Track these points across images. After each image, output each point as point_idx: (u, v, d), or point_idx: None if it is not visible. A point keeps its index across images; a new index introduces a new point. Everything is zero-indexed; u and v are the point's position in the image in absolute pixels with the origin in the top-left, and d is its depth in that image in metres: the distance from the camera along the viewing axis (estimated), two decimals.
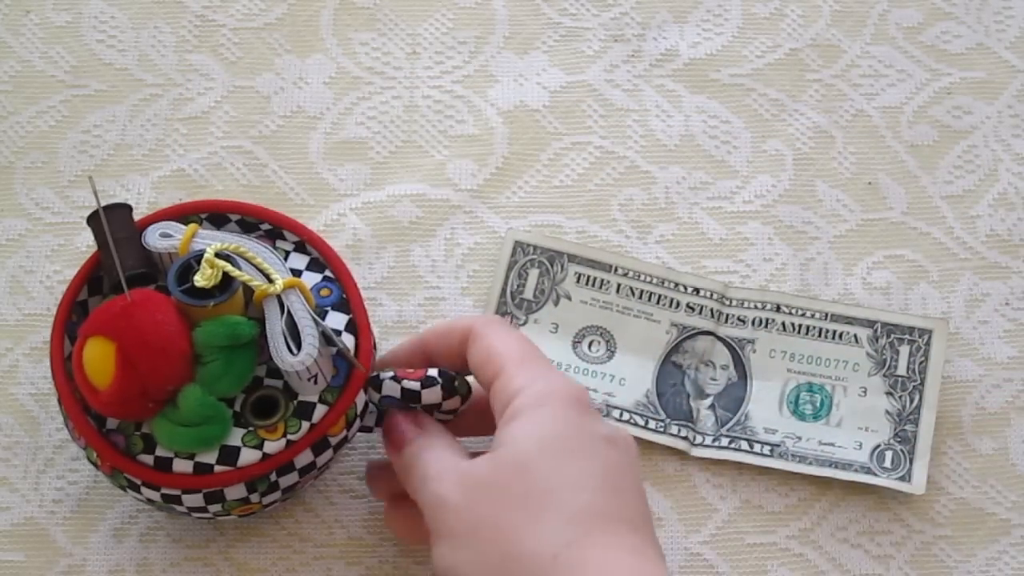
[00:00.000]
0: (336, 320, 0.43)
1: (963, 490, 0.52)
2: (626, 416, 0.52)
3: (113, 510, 0.50)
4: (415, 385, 0.42)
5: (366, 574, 0.49)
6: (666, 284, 0.54)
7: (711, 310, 0.54)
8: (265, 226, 0.46)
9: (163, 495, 0.41)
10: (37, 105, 0.58)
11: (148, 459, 0.41)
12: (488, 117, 0.58)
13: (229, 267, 0.40)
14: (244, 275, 0.41)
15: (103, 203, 0.43)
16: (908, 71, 0.60)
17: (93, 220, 0.43)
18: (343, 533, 0.50)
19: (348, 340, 0.43)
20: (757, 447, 0.51)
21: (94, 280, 0.44)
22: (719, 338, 0.53)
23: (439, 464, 0.39)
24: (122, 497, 0.50)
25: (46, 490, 0.50)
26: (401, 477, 0.42)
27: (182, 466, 0.41)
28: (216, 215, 0.46)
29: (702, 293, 0.54)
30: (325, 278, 0.44)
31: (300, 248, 0.46)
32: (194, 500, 0.41)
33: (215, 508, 0.42)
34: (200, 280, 0.40)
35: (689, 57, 0.60)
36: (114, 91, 0.58)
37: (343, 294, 0.44)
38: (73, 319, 0.43)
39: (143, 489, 0.41)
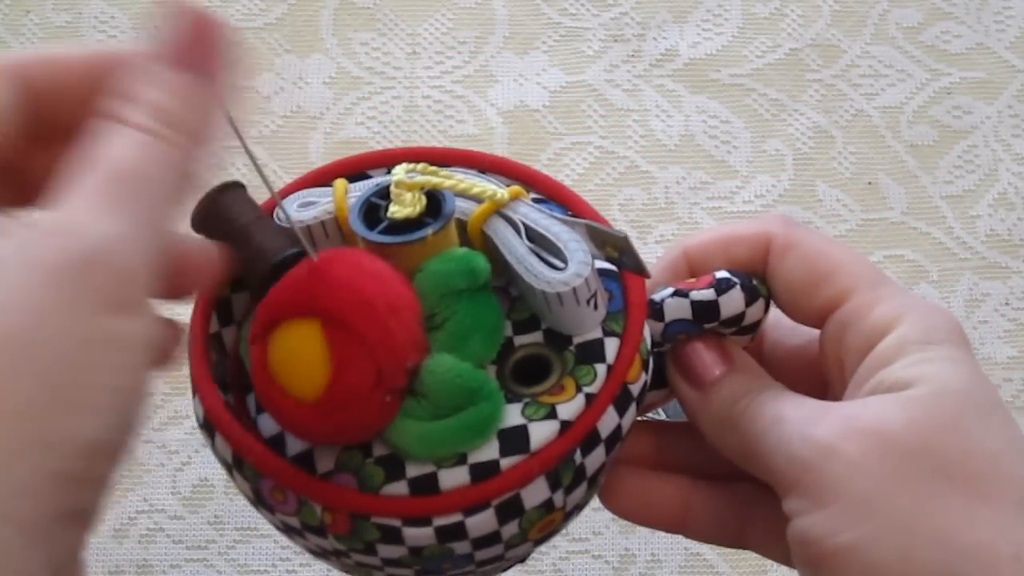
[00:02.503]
0: None
1: None
2: None
3: (113, 510, 0.50)
4: (708, 295, 0.30)
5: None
6: None
7: None
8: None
9: (438, 530, 0.28)
10: None
11: (399, 487, 0.28)
12: (488, 117, 0.58)
13: (434, 180, 0.29)
14: (461, 182, 0.29)
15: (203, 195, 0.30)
16: (908, 71, 0.60)
17: (205, 209, 0.30)
18: None
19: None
20: None
21: (218, 305, 0.31)
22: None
23: (798, 405, 0.29)
24: (122, 497, 0.50)
25: None
26: (711, 427, 0.31)
27: (454, 477, 0.28)
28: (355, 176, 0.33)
29: None
30: (535, 200, 0.32)
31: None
32: (483, 523, 0.28)
33: (510, 532, 0.29)
34: (398, 210, 0.28)
35: (689, 57, 0.60)
36: None
37: (567, 213, 0.31)
38: (213, 357, 0.30)
39: (406, 532, 0.28)
